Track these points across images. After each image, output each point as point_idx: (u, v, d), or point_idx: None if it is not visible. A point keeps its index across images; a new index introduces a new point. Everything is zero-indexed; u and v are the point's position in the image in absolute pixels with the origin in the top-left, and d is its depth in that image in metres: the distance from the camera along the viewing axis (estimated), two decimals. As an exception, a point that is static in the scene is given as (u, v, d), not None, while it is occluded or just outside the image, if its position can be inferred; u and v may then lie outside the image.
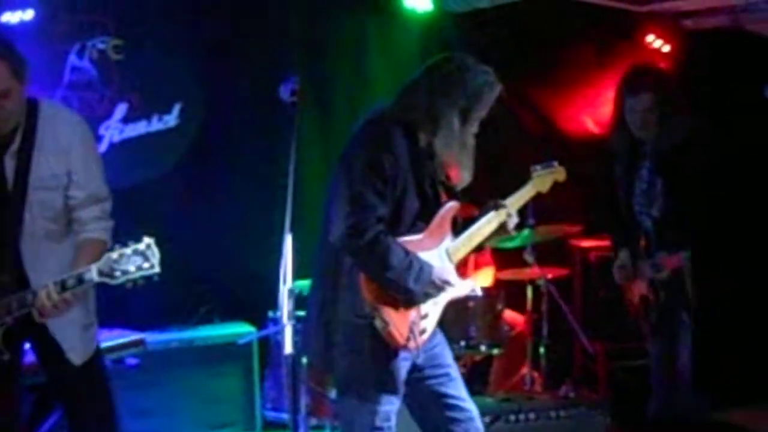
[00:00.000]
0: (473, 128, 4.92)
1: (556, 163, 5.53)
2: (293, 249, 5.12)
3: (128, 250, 4.25)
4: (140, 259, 4.26)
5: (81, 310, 4.66)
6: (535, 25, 7.92)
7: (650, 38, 8.26)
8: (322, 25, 7.55)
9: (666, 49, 8.25)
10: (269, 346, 6.92)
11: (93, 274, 4.25)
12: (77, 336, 4.70)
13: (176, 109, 7.12)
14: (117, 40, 6.84)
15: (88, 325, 4.78)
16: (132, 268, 4.27)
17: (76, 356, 4.70)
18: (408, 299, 4.71)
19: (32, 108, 4.54)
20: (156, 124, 7.08)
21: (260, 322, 6.85)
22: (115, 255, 4.24)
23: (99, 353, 4.89)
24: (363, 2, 7.66)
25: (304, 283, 5.34)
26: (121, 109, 6.98)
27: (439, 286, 4.77)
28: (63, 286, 4.27)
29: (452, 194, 5.04)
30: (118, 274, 4.26)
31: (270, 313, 6.69)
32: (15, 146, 4.49)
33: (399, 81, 7.22)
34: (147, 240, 4.27)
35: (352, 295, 4.65)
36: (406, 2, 7.63)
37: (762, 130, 5.34)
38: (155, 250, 4.29)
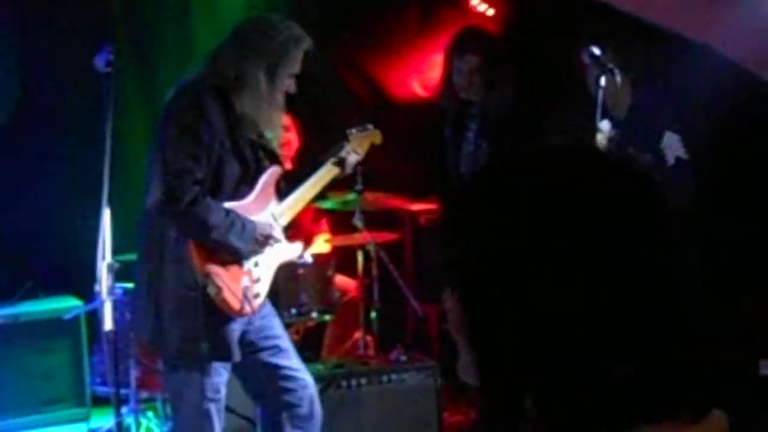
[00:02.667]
0: (285, 85, 4.93)
1: (371, 126, 5.61)
2: (117, 223, 5.05)
3: None
4: None
5: None
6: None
7: (475, 2, 8.32)
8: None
9: (491, 12, 8.33)
10: (97, 319, 6.83)
11: None
12: None
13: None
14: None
15: None
16: None
17: None
18: (236, 259, 4.73)
19: None
20: (-31, 96, 6.90)
21: (88, 295, 6.74)
22: None
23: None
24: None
25: (129, 257, 5.28)
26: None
27: (264, 242, 4.82)
28: None
29: (275, 157, 5.05)
30: None
31: (97, 287, 6.60)
32: None
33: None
34: None
35: (180, 267, 4.64)
36: (230, -33, 7.56)
37: (578, 94, 5.44)
38: None
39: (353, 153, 5.47)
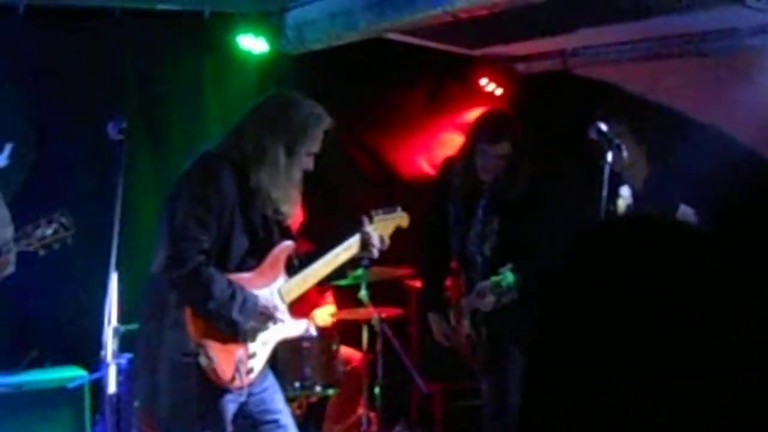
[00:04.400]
0: (303, 163, 4.97)
1: (399, 209, 5.58)
2: (125, 289, 5.06)
3: (42, 221, 4.90)
4: (55, 226, 4.92)
5: None
6: (368, 67, 8.01)
7: (483, 81, 8.41)
8: (157, 63, 7.51)
9: (499, 92, 8.41)
10: (101, 390, 6.80)
11: (8, 233, 4.79)
12: None
13: (7, 149, 6.97)
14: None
15: None
16: (48, 233, 4.92)
17: None
18: (233, 332, 4.72)
19: None
20: (-13, 164, 6.94)
21: (92, 365, 6.72)
22: (30, 227, 4.82)
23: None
24: (198, 42, 7.64)
25: (134, 324, 5.28)
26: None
27: (265, 318, 4.80)
28: None
29: (288, 233, 5.07)
30: (34, 241, 4.90)
31: (102, 353, 6.58)
32: None
33: (234, 120, 7.26)
34: (59, 212, 4.94)
35: (178, 333, 4.64)
36: (242, 43, 7.63)
37: (588, 174, 5.48)
38: (68, 217, 4.98)
39: (377, 236, 5.42)
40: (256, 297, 4.79)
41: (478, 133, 6.13)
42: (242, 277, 4.81)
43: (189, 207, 4.67)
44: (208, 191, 4.70)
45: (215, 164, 4.79)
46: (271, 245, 4.98)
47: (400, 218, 5.67)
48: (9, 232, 4.98)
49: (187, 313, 4.63)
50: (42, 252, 4.91)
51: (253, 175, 4.83)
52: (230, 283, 4.69)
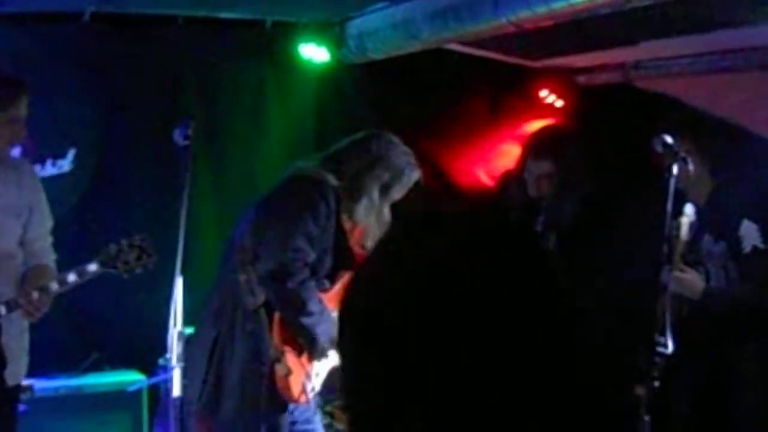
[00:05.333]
0: (388, 205, 5.07)
1: None
2: (183, 293, 5.09)
3: (124, 243, 4.91)
4: (137, 251, 4.93)
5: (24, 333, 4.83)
6: (429, 77, 8.00)
7: (543, 93, 8.37)
8: (219, 72, 7.56)
9: (559, 104, 8.38)
10: (159, 394, 6.84)
11: (94, 266, 4.81)
12: (21, 353, 4.84)
13: (71, 154, 7.04)
14: (11, 84, 6.75)
15: (24, 349, 4.91)
16: (131, 259, 4.93)
17: (12, 376, 4.79)
18: (312, 349, 4.78)
19: None
20: (50, 169, 6.98)
21: (151, 369, 6.76)
22: (113, 249, 4.85)
23: (20, 386, 5.01)
24: (260, 51, 7.68)
25: (193, 329, 5.32)
26: (14, 154, 6.87)
27: (335, 341, 4.86)
28: (63, 282, 4.80)
29: (350, 264, 5.14)
30: (119, 264, 4.91)
31: (160, 361, 6.62)
32: None
33: (294, 128, 7.33)
34: (140, 236, 4.94)
35: (255, 339, 4.69)
36: (303, 53, 7.66)
37: (652, 183, 5.44)
38: (149, 242, 4.99)
39: None
40: (335, 320, 4.86)
41: (526, 149, 6.16)
42: (323, 296, 4.88)
43: (299, 220, 4.76)
44: (320, 208, 4.80)
45: (324, 183, 4.88)
46: (339, 271, 5.08)
47: None
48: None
49: (275, 321, 4.69)
50: (126, 276, 4.98)
51: (349, 206, 4.91)
52: (321, 300, 4.77)
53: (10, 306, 4.76)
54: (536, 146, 6.17)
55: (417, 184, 5.26)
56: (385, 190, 5.07)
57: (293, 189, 4.98)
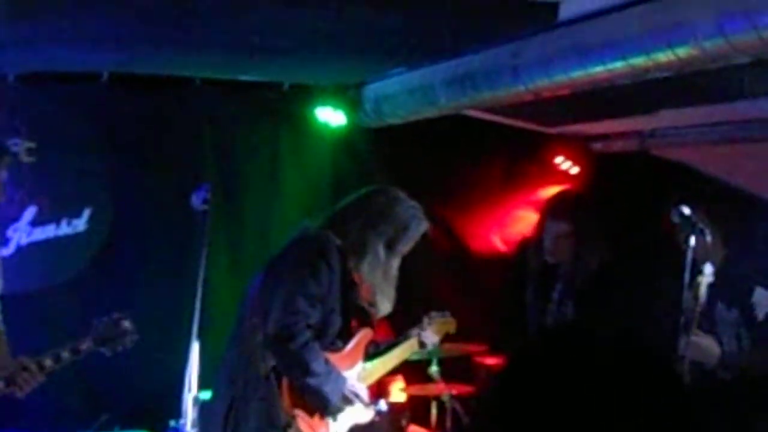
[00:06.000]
0: (397, 260, 5.07)
1: (448, 313, 5.73)
2: (199, 356, 5.08)
3: (114, 319, 4.88)
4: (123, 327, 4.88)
5: None
6: (445, 142, 8.01)
7: (559, 159, 8.37)
8: (236, 134, 7.59)
9: (574, 170, 8.38)
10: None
11: (89, 342, 4.74)
12: None
13: (86, 213, 7.06)
14: (30, 143, 6.78)
15: None
16: (117, 335, 4.87)
17: None
18: (323, 408, 4.77)
19: None
20: (65, 228, 7.00)
21: (162, 431, 6.73)
22: (105, 325, 4.83)
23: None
24: (277, 114, 7.71)
25: (208, 393, 5.30)
26: (30, 212, 6.89)
27: (350, 399, 4.85)
28: (57, 359, 4.68)
29: (366, 320, 5.14)
30: (109, 343, 4.83)
31: (172, 422, 6.58)
32: None
33: (310, 191, 7.34)
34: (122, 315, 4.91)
35: (266, 405, 4.68)
36: (320, 116, 7.69)
37: (668, 253, 5.43)
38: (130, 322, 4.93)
39: (432, 336, 5.61)
40: (345, 378, 4.85)
41: (543, 212, 6.17)
42: (332, 357, 4.86)
43: (301, 282, 4.76)
44: (321, 268, 4.80)
45: (327, 243, 4.88)
46: (353, 331, 5.08)
47: (450, 323, 5.85)
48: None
49: (284, 384, 4.69)
50: (108, 354, 4.96)
51: (354, 264, 4.92)
52: (327, 360, 4.76)
53: (8, 381, 4.73)
54: (554, 207, 6.20)
55: (425, 236, 5.25)
56: (390, 245, 5.08)
57: (295, 251, 4.99)
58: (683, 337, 5.07)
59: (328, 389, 4.75)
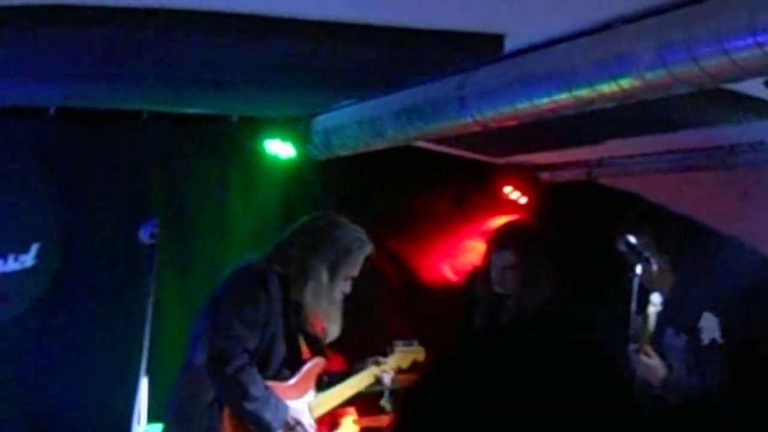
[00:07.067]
0: (342, 285, 5.09)
1: (416, 342, 5.75)
2: (149, 390, 5.06)
3: None
4: None
5: None
6: (395, 173, 8.03)
7: (507, 189, 8.41)
8: (184, 166, 7.55)
9: (523, 200, 8.42)
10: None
11: None
12: None
13: (34, 248, 7.01)
14: (-25, 177, 6.74)
15: None
16: None
17: None
18: None
19: None
20: (12, 264, 6.94)
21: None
22: None
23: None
24: (225, 146, 7.69)
25: (158, 427, 5.27)
26: (-24, 248, 6.84)
27: (293, 427, 4.84)
28: None
29: (318, 348, 5.15)
30: None
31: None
32: None
33: (260, 224, 7.33)
34: None
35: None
36: (269, 148, 7.68)
37: (615, 284, 5.50)
38: None
39: (391, 371, 5.62)
40: (287, 405, 4.85)
41: (489, 243, 6.23)
42: (277, 386, 4.86)
43: (237, 308, 4.78)
44: (258, 294, 4.82)
45: (265, 270, 4.91)
46: (302, 358, 5.07)
47: (418, 352, 5.88)
48: None
49: (225, 413, 4.68)
50: None
51: (297, 290, 4.94)
52: (266, 387, 4.75)
53: None
54: (500, 239, 6.25)
55: (368, 258, 5.29)
56: (333, 268, 5.13)
57: (233, 281, 5.02)
58: (634, 356, 5.13)
59: (268, 415, 4.75)
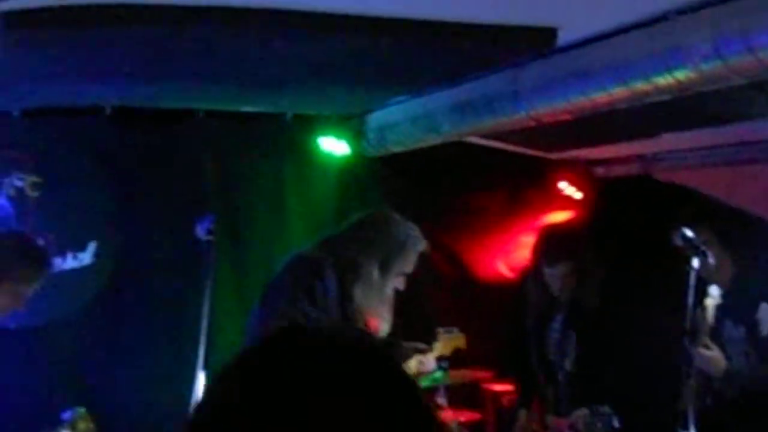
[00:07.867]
0: (395, 282, 5.06)
1: (456, 329, 5.74)
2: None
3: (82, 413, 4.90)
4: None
5: None
6: (449, 170, 8.04)
7: (562, 185, 8.39)
8: (239, 164, 7.59)
9: (578, 196, 8.39)
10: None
11: None
12: None
13: (91, 247, 7.06)
14: (35, 177, 6.80)
15: None
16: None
17: None
18: None
19: None
20: (70, 262, 7.00)
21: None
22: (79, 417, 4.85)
23: None
24: (280, 144, 7.72)
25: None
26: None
27: None
28: None
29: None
30: None
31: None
32: None
33: (315, 221, 7.35)
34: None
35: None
36: (323, 145, 7.70)
37: (671, 278, 5.46)
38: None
39: (432, 357, 5.60)
40: None
41: (538, 255, 6.19)
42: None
43: (295, 299, 4.75)
44: (315, 285, 4.80)
45: (321, 262, 4.89)
46: None
47: (459, 338, 5.85)
48: None
49: None
50: None
51: (348, 287, 4.91)
52: None
53: None
54: (550, 252, 6.21)
55: (428, 260, 5.26)
56: (384, 266, 5.08)
57: (288, 274, 4.99)
58: (692, 348, 5.09)
59: None
